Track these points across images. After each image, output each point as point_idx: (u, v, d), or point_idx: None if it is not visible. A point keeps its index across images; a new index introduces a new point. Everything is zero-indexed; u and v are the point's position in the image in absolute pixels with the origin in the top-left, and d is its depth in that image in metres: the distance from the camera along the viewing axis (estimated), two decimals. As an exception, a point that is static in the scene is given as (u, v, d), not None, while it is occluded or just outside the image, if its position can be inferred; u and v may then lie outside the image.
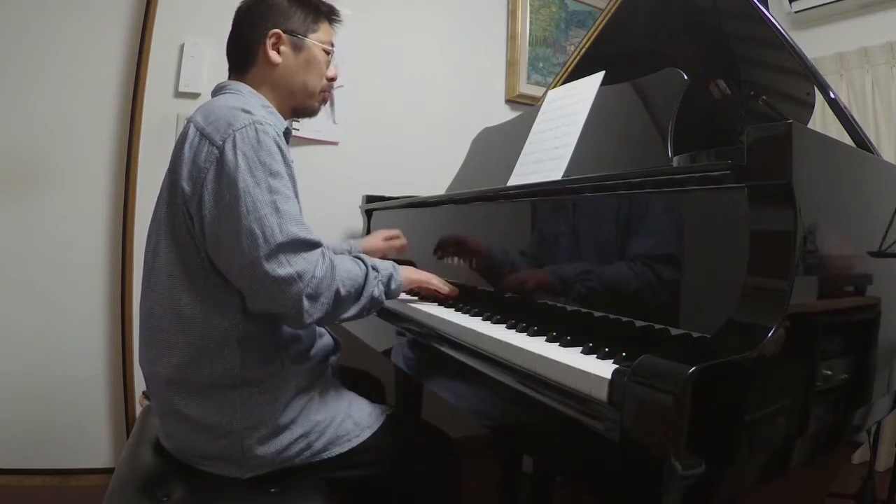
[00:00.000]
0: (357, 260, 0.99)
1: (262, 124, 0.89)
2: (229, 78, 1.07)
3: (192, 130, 0.91)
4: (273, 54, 1.03)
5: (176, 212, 0.90)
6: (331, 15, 1.12)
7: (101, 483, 1.24)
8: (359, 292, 0.95)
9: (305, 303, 0.86)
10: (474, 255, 1.25)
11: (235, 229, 0.84)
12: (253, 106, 0.94)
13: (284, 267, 0.84)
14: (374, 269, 0.99)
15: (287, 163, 0.91)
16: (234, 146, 0.86)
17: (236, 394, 0.91)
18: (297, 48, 1.06)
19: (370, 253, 1.30)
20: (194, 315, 0.90)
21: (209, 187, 0.87)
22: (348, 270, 0.94)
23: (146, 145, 1.76)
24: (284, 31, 1.04)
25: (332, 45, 1.11)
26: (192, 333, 0.90)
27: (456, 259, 1.30)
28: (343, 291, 0.91)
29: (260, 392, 0.92)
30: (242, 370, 0.91)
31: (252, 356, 0.92)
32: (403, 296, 1.24)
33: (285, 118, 1.06)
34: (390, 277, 1.03)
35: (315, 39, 1.07)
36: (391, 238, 1.48)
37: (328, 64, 1.11)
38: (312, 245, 0.88)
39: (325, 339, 1.09)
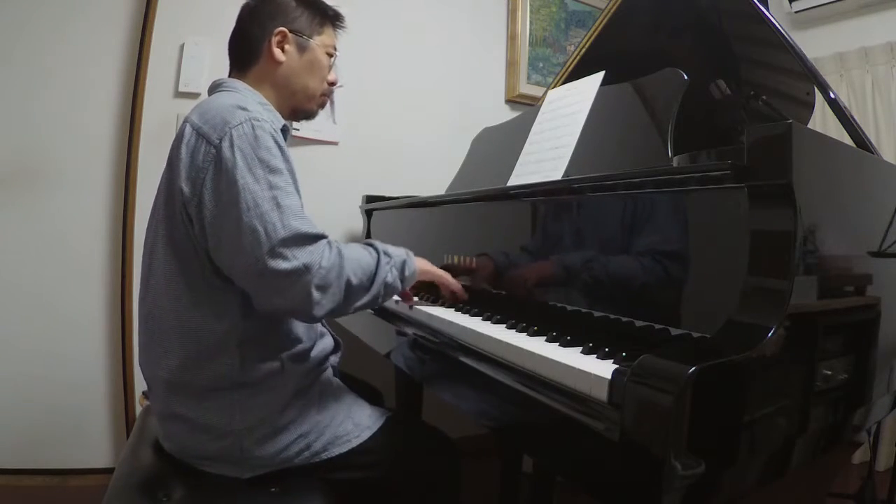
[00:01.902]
0: (367, 246, 0.96)
1: (258, 120, 0.88)
2: (230, 75, 1.07)
3: (188, 130, 0.90)
4: (277, 52, 1.03)
5: (174, 213, 0.90)
6: (336, 20, 1.12)
7: (101, 483, 1.24)
8: (371, 280, 0.93)
9: (315, 294, 0.84)
10: (475, 258, 1.25)
11: (236, 228, 0.83)
12: (249, 103, 0.93)
13: (290, 261, 0.82)
14: (386, 254, 0.97)
15: (286, 158, 0.90)
16: (232, 144, 0.85)
17: (235, 395, 0.90)
18: (302, 49, 1.06)
19: None
20: (193, 318, 0.89)
21: (208, 187, 0.86)
22: (357, 259, 0.91)
23: (146, 145, 1.76)
24: (290, 31, 1.04)
25: (336, 50, 1.12)
26: (190, 336, 0.89)
27: (456, 258, 1.30)
28: (354, 280, 0.89)
29: (259, 393, 0.92)
30: (241, 373, 0.90)
31: (251, 358, 0.91)
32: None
33: (284, 118, 1.06)
34: (404, 263, 1.00)
35: (319, 42, 1.08)
36: None
37: (330, 68, 1.11)
38: (316, 238, 0.86)
39: (325, 340, 1.09)
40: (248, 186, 0.84)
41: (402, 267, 1.00)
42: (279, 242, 0.82)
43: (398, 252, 1.00)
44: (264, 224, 0.82)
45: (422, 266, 1.08)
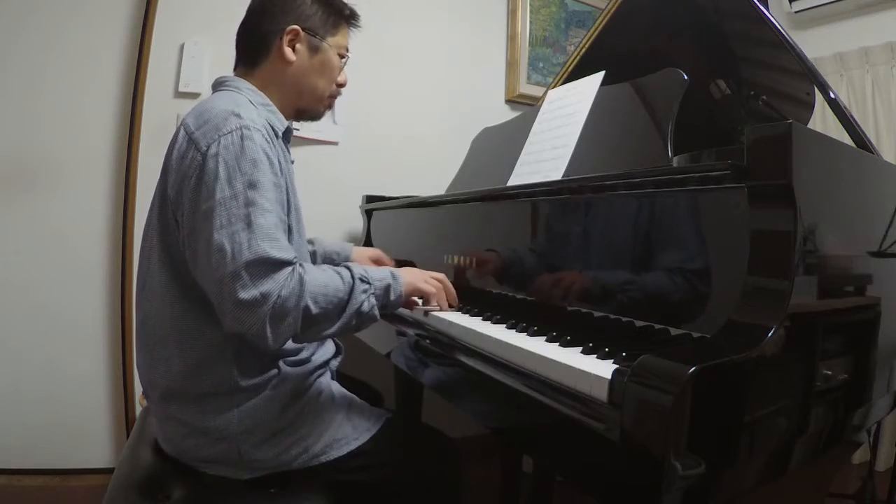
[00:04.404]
0: (343, 271, 0.90)
1: (248, 129, 0.85)
2: (235, 71, 1.04)
3: (181, 134, 0.89)
4: (288, 51, 1.00)
5: (166, 219, 0.89)
6: (351, 19, 1.08)
7: (101, 483, 1.24)
8: (339, 308, 0.87)
9: (269, 327, 0.80)
10: (476, 257, 1.25)
11: (208, 243, 0.81)
12: (245, 106, 0.90)
13: (249, 289, 0.78)
14: (364, 280, 0.91)
15: (275, 171, 0.87)
16: (217, 153, 0.83)
17: (232, 399, 0.90)
18: (314, 49, 1.03)
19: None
20: (188, 325, 0.89)
21: (189, 196, 0.84)
22: (324, 285, 0.86)
23: (146, 146, 1.76)
24: (303, 30, 1.01)
25: (348, 51, 1.09)
26: (186, 344, 0.89)
27: (456, 259, 1.30)
28: (315, 309, 0.84)
29: (256, 397, 0.91)
30: (239, 378, 0.90)
31: (248, 365, 0.91)
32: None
33: (288, 118, 1.04)
34: (388, 288, 0.94)
35: (332, 43, 1.04)
36: (377, 260, 1.42)
37: (341, 69, 1.08)
38: (282, 263, 0.82)
39: (326, 346, 1.08)
40: (225, 201, 0.81)
41: (386, 292, 0.94)
42: (243, 265, 0.79)
43: (381, 276, 0.94)
44: (232, 244, 0.80)
45: (411, 283, 1.01)
